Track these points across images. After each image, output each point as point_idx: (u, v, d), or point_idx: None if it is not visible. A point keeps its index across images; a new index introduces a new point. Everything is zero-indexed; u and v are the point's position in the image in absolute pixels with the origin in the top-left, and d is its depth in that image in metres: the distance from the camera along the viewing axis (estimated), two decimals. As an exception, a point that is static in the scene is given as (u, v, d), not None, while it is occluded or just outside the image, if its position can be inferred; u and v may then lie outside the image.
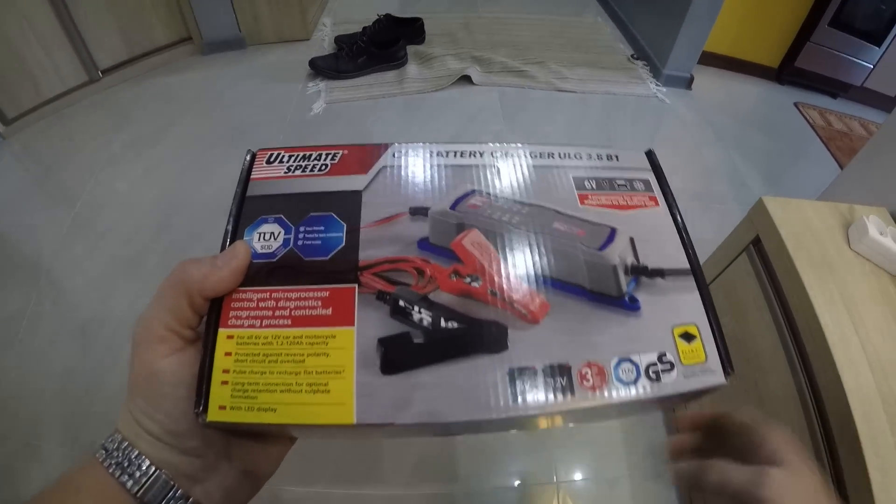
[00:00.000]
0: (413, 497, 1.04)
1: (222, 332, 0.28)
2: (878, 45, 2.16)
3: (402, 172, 0.35)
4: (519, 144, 0.37)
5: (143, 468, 0.27)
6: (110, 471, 0.27)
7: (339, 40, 2.19)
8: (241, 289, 0.29)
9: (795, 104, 2.30)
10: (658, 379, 0.28)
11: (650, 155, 0.38)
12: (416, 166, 0.35)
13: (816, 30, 2.22)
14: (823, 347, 0.67)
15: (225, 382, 0.27)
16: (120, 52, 1.94)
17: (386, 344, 0.28)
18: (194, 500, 0.28)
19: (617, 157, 0.37)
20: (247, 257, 0.30)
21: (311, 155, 0.35)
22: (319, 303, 0.29)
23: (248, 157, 0.35)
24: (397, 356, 0.28)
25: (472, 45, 2.31)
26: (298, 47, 2.25)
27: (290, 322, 0.28)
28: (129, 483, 0.26)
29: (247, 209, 0.32)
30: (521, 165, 0.36)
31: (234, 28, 2.15)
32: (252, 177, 0.34)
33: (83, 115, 1.83)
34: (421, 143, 0.36)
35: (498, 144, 0.37)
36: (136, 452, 0.27)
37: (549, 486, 1.05)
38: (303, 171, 0.34)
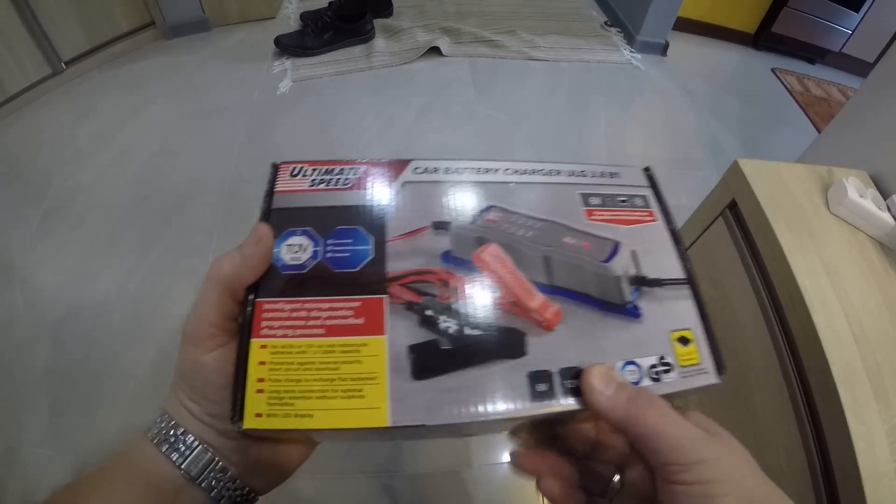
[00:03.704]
0: (409, 477, 1.04)
1: (255, 342, 0.30)
2: (857, 10, 2.15)
3: (423, 188, 0.37)
4: (531, 162, 0.39)
5: (188, 443, 0.30)
6: (159, 446, 0.30)
7: (305, 17, 2.12)
8: (272, 300, 0.31)
9: (773, 70, 2.27)
10: (658, 379, 0.31)
11: (648, 172, 0.40)
12: (436, 182, 0.37)
13: (793, -7, 2.18)
14: (803, 312, 0.65)
15: (260, 391, 0.28)
16: (82, 41, 1.85)
17: (416, 350, 0.30)
18: (231, 475, 0.31)
19: (618, 174, 0.40)
20: (270, 237, 0.31)
21: (333, 169, 0.37)
22: (351, 313, 0.31)
23: (271, 170, 0.37)
24: (427, 362, 0.30)
25: (441, 16, 2.25)
26: (264, 26, 2.19)
27: (323, 332, 0.30)
28: (175, 457, 0.29)
29: (274, 221, 0.34)
30: (533, 182, 0.38)
31: (198, 10, 2.07)
32: (276, 189, 0.36)
33: (49, 109, 1.76)
34: (439, 160, 0.38)
35: (512, 162, 0.39)
36: (182, 430, 0.30)
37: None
38: (327, 184, 0.36)
